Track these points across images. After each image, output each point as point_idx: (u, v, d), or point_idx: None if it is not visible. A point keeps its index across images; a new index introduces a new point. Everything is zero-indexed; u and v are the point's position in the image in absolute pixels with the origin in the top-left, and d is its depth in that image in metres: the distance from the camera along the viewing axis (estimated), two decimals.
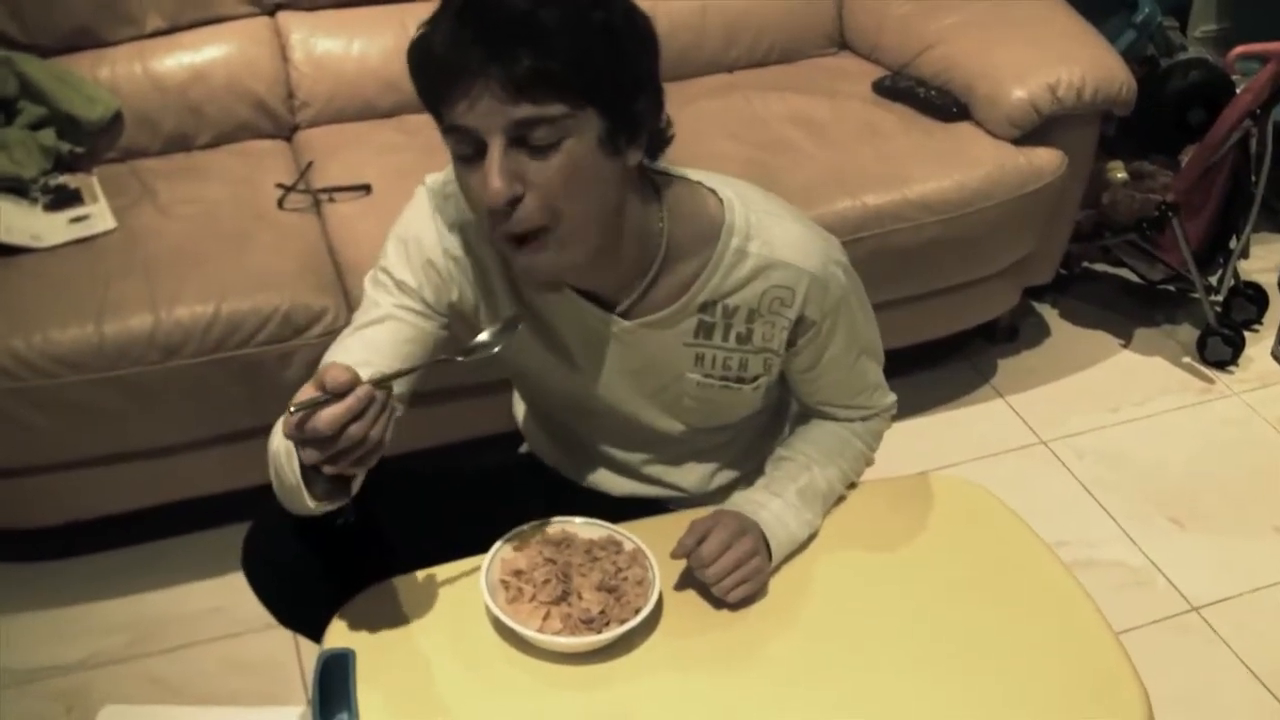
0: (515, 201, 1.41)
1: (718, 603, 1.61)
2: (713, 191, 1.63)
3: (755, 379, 1.72)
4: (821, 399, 1.83)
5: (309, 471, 1.41)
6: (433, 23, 1.41)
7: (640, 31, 1.46)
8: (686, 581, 1.64)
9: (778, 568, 1.68)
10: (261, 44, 2.99)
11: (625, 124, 1.46)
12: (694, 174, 1.65)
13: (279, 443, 1.47)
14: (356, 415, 1.30)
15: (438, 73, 1.40)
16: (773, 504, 1.70)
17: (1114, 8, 3.54)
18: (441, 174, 1.64)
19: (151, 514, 2.60)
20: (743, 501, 1.71)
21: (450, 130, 1.42)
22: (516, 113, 1.37)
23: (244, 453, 2.43)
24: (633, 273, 1.61)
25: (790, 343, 1.69)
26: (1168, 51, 3.67)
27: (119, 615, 2.55)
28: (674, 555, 1.60)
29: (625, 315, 1.64)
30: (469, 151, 1.41)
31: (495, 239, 1.48)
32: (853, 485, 1.84)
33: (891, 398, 1.89)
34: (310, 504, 1.44)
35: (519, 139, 1.39)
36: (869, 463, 1.88)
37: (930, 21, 3.19)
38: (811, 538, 1.74)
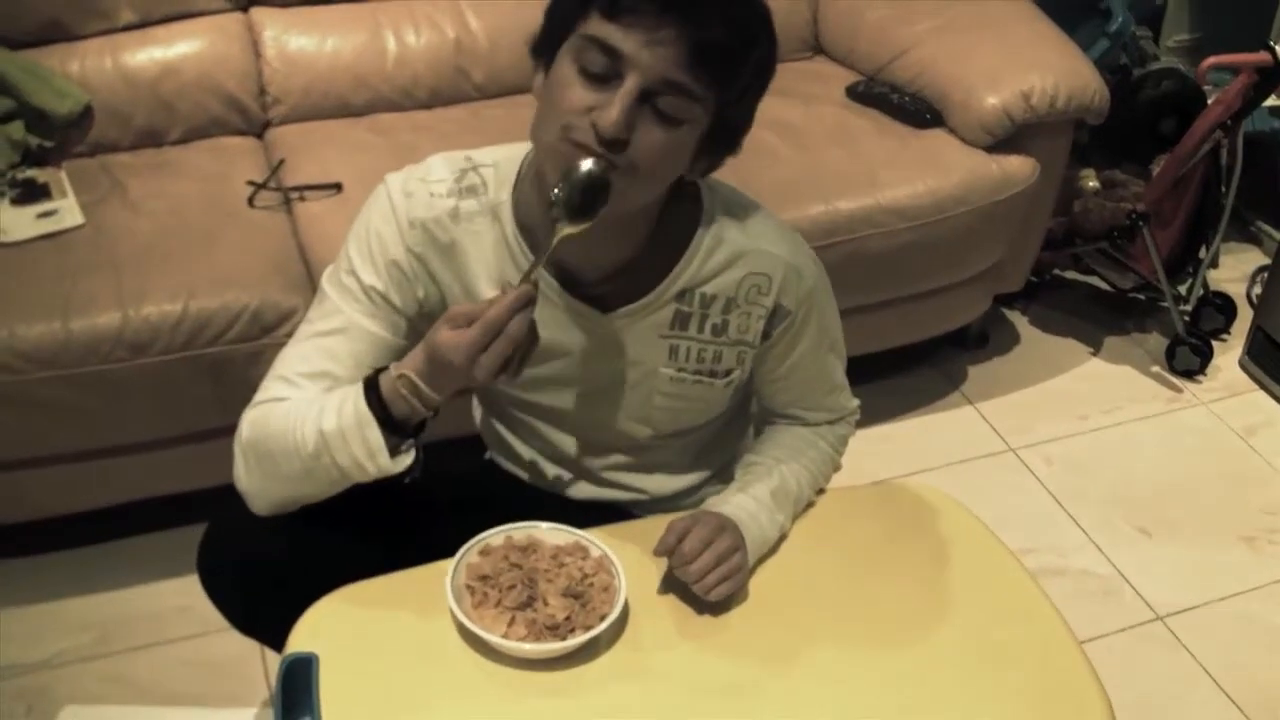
0: (618, 143, 1.41)
1: (683, 610, 1.61)
2: (689, 180, 1.64)
3: (729, 373, 1.72)
4: (789, 399, 1.84)
5: (389, 438, 1.51)
6: None
7: (774, 65, 1.52)
8: (653, 589, 1.63)
9: (753, 569, 1.68)
10: (234, 40, 2.97)
11: (723, 142, 1.52)
12: None
13: (339, 422, 1.51)
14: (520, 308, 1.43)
15: None
16: (747, 504, 1.70)
17: (1087, 16, 3.56)
18: (402, 172, 1.64)
19: (118, 511, 2.59)
20: (718, 502, 1.71)
21: (595, 42, 1.40)
22: (678, 75, 1.39)
23: (212, 450, 2.40)
24: (621, 257, 1.61)
25: (765, 334, 1.70)
26: (1140, 61, 3.69)
27: (84, 614, 2.53)
28: (656, 553, 1.60)
29: (602, 306, 1.64)
30: (599, 70, 1.40)
31: (560, 142, 1.44)
32: (821, 491, 1.84)
33: (855, 402, 1.90)
34: (389, 467, 1.53)
35: (651, 94, 1.40)
36: (836, 468, 1.89)
37: (905, 27, 3.19)
38: (781, 540, 1.74)
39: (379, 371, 1.53)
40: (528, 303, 1.43)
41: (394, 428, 1.52)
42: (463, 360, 1.42)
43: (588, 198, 1.43)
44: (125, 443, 2.47)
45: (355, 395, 1.52)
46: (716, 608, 1.61)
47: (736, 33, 1.41)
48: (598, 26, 1.40)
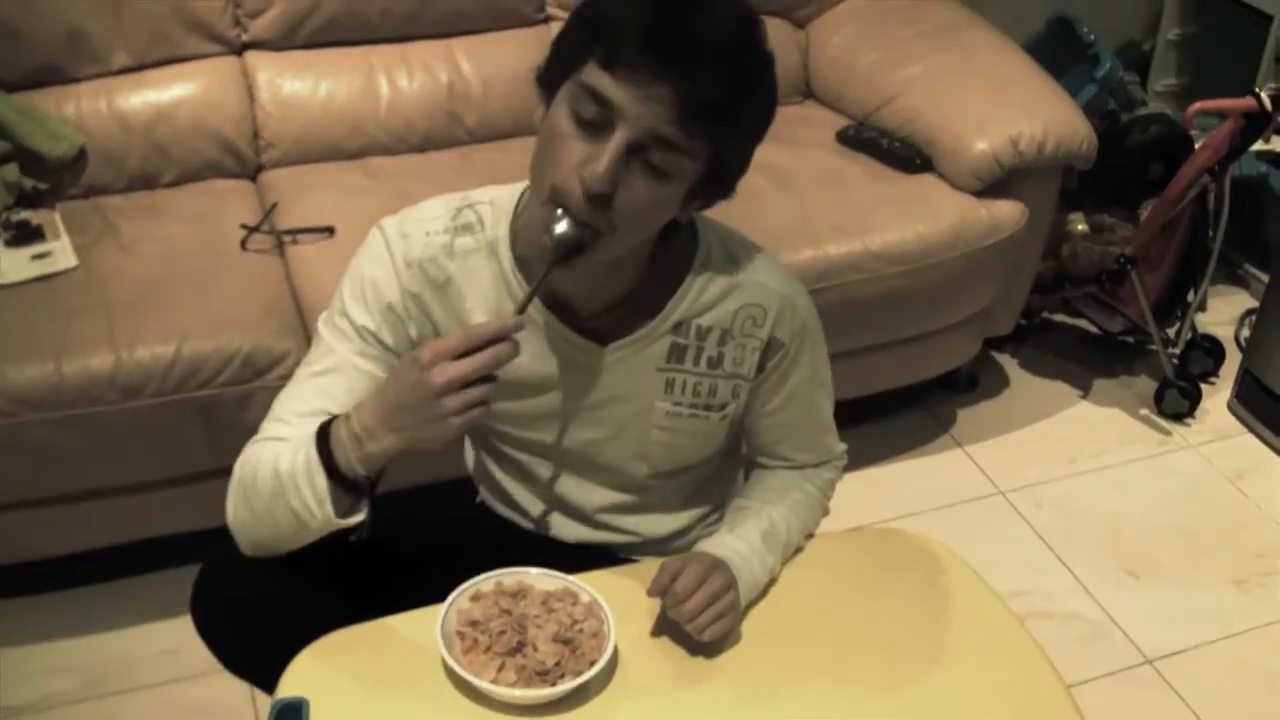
0: (601, 198, 1.42)
1: (673, 656, 1.61)
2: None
3: (724, 406, 1.73)
4: (779, 436, 1.84)
5: (334, 487, 1.49)
6: None
7: (773, 113, 1.51)
8: (642, 635, 1.63)
9: (744, 611, 1.68)
10: (228, 83, 2.99)
11: (715, 189, 1.53)
12: None
13: (292, 464, 1.51)
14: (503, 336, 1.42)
15: (625, 47, 1.39)
16: (739, 546, 1.70)
17: (1076, 62, 3.58)
18: (396, 216, 1.65)
19: (107, 554, 2.58)
20: (710, 544, 1.71)
21: (591, 91, 1.41)
22: (668, 130, 1.39)
23: (203, 493, 2.41)
24: (617, 292, 1.62)
25: (760, 367, 1.70)
26: (1128, 106, 3.72)
27: (71, 657, 2.53)
28: (650, 593, 1.60)
29: (599, 339, 1.65)
30: (591, 117, 1.41)
31: (546, 203, 1.46)
32: (810, 535, 1.84)
33: (842, 446, 1.90)
34: (333, 519, 1.51)
35: (640, 148, 1.41)
36: (825, 512, 1.89)
37: (895, 72, 3.21)
38: (771, 584, 1.74)
39: (335, 417, 1.54)
40: (508, 335, 1.43)
41: (342, 479, 1.51)
42: (433, 390, 1.41)
43: (565, 254, 1.45)
44: (116, 485, 2.47)
45: (309, 439, 1.52)
46: (706, 651, 1.61)
47: (733, 87, 1.41)
48: (594, 75, 1.41)
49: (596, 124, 1.41)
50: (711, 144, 1.43)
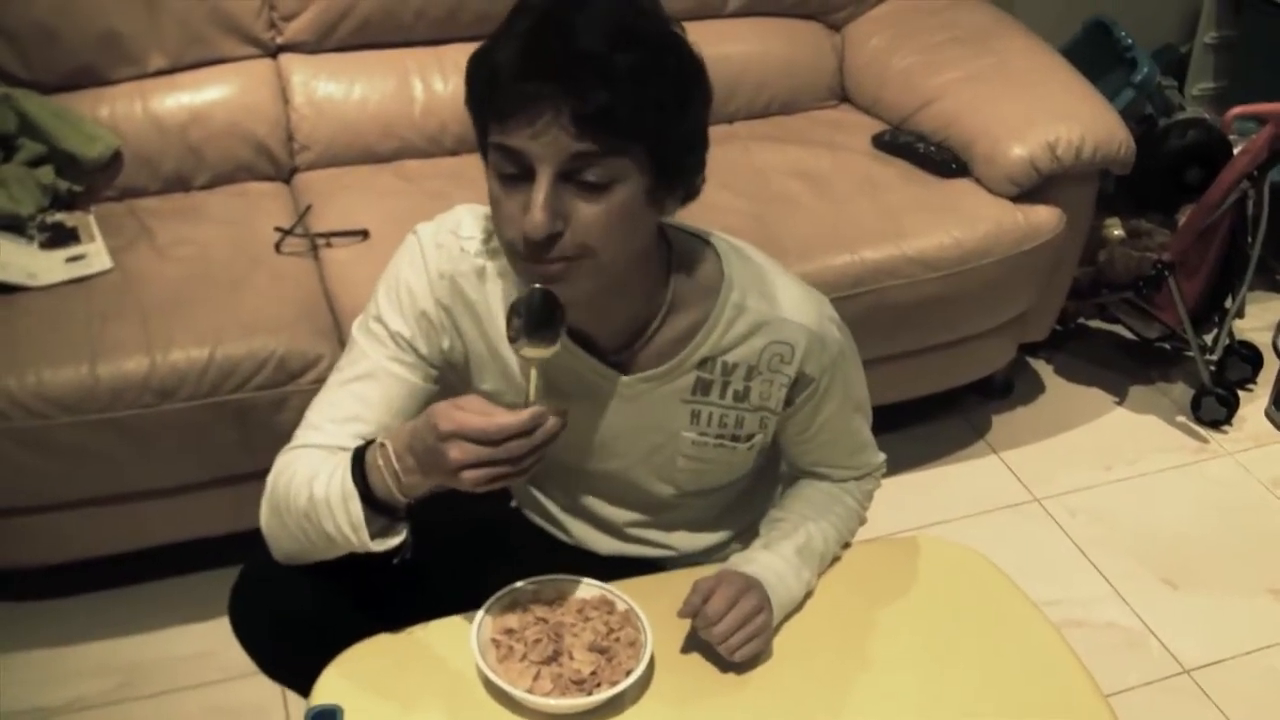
0: (553, 237, 1.41)
1: (709, 666, 1.60)
2: (711, 245, 1.64)
3: (750, 438, 1.71)
4: (815, 459, 1.83)
5: (370, 513, 1.48)
6: (499, 39, 1.42)
7: (704, 83, 1.48)
8: (678, 644, 1.62)
9: (777, 628, 1.67)
10: (263, 86, 2.99)
11: (675, 175, 1.49)
12: (692, 228, 1.66)
13: (327, 489, 1.50)
14: (525, 432, 1.38)
15: (501, 93, 1.39)
16: (774, 563, 1.69)
17: (1113, 66, 3.56)
18: (433, 223, 1.64)
19: (140, 556, 2.59)
20: (742, 561, 1.70)
21: (499, 149, 1.42)
22: (578, 147, 1.38)
23: (236, 496, 2.42)
24: (636, 321, 1.61)
25: (788, 401, 1.69)
26: (1166, 110, 3.68)
27: (105, 658, 2.53)
28: (680, 615, 1.59)
29: (623, 369, 1.63)
30: (513, 171, 1.41)
31: (514, 259, 1.48)
32: (846, 545, 1.83)
33: (881, 457, 1.89)
34: (369, 545, 1.49)
35: (569, 173, 1.39)
36: (862, 521, 1.88)
37: (931, 76, 3.20)
38: (807, 597, 1.73)
39: (370, 443, 1.52)
40: (540, 428, 1.40)
41: (378, 504, 1.50)
42: (449, 466, 1.40)
43: (544, 316, 1.45)
44: (151, 488, 2.47)
45: (345, 464, 1.51)
46: (742, 663, 1.60)
47: (622, 86, 1.37)
48: (497, 133, 1.41)
49: (519, 175, 1.41)
50: (635, 138, 1.40)
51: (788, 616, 1.69)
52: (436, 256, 1.61)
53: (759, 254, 1.69)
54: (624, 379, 1.63)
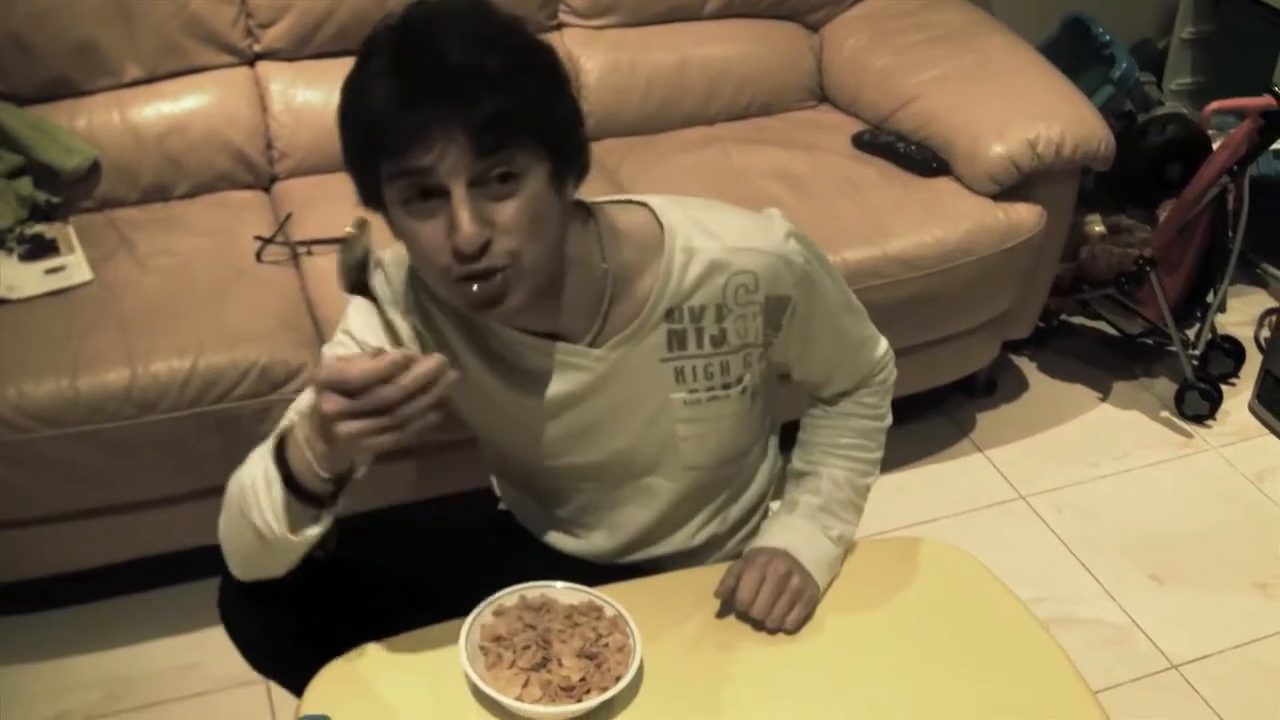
0: (484, 247, 1.42)
1: (698, 670, 1.60)
2: (643, 204, 1.64)
3: (740, 380, 1.70)
4: (823, 376, 1.83)
5: (291, 500, 1.43)
6: (363, 86, 1.43)
7: (565, 70, 1.52)
8: (667, 648, 1.62)
9: (829, 586, 1.72)
10: (241, 94, 2.98)
11: (570, 159, 1.51)
12: (623, 196, 1.68)
13: (252, 473, 1.47)
14: (387, 378, 1.32)
15: (389, 131, 1.40)
16: (797, 524, 1.74)
17: (1091, 63, 3.57)
18: (390, 252, 1.64)
19: (124, 568, 2.57)
20: (765, 535, 1.74)
21: (403, 175, 1.42)
22: (479, 154, 1.39)
23: (219, 507, 2.40)
24: (586, 304, 1.61)
25: (772, 326, 1.67)
26: (1145, 106, 3.70)
27: (90, 671, 2.52)
28: (716, 594, 1.66)
29: (595, 348, 1.63)
30: (422, 196, 1.42)
31: (448, 285, 1.47)
32: (877, 462, 1.88)
33: (883, 346, 1.88)
34: (289, 535, 1.44)
35: (478, 180, 1.41)
36: (887, 422, 1.89)
37: (910, 76, 3.20)
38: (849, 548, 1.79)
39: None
40: (409, 372, 1.33)
41: (303, 491, 1.45)
42: (323, 420, 1.36)
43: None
44: (134, 500, 2.46)
45: (269, 447, 1.47)
46: (730, 667, 1.60)
47: (502, 87, 1.39)
48: (391, 165, 1.42)
49: (432, 194, 1.42)
50: (528, 132, 1.42)
51: (836, 575, 1.75)
52: (398, 274, 1.63)
53: (696, 200, 1.69)
54: (595, 351, 1.63)
